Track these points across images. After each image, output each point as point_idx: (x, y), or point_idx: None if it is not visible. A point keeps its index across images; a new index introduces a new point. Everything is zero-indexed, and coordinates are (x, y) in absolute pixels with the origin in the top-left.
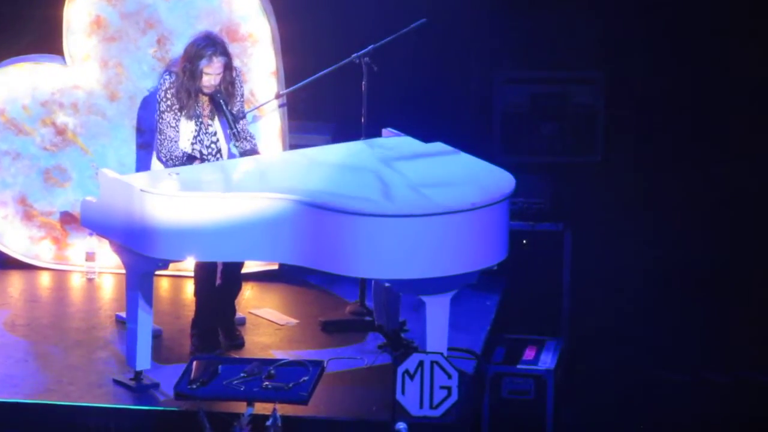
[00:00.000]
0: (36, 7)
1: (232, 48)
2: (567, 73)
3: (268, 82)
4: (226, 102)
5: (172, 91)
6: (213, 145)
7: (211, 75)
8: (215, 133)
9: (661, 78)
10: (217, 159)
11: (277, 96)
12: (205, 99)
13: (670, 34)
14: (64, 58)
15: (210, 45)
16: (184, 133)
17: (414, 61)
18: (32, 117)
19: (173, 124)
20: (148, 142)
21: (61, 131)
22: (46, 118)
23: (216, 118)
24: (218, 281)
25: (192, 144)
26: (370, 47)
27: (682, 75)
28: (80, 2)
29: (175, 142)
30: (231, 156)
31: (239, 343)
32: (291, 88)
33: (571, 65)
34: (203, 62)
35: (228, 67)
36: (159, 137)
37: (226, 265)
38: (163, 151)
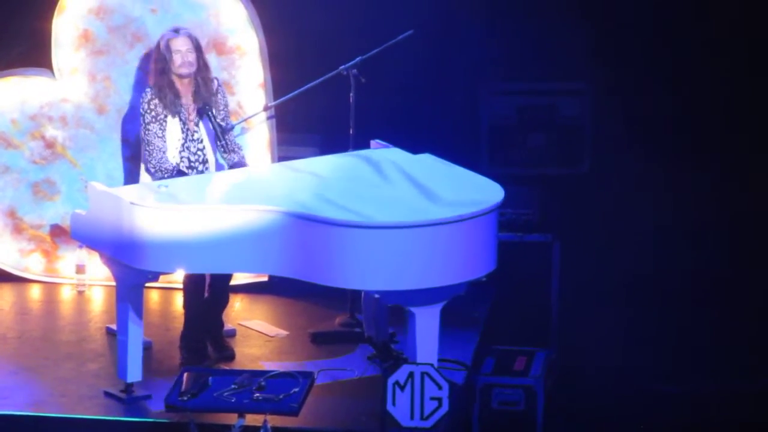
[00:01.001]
0: (24, 20)
1: (220, 61)
2: (554, 84)
3: (256, 94)
4: (213, 115)
5: (155, 101)
6: (200, 153)
7: (180, 51)
8: (201, 140)
9: (648, 89)
10: (205, 167)
11: (266, 108)
12: (189, 105)
13: (658, 45)
14: (52, 72)
15: (173, 27)
16: (171, 141)
17: (402, 73)
18: (21, 131)
19: (160, 134)
20: (135, 154)
21: (49, 144)
22: (35, 132)
23: (201, 124)
24: (206, 294)
25: (180, 152)
26: (357, 59)
27: (669, 86)
28: (68, 16)
29: (164, 152)
30: (219, 166)
31: (229, 355)
32: (279, 100)
33: (558, 77)
34: (168, 35)
35: (197, 48)
36: (147, 149)
37: (213, 278)
38: (152, 162)
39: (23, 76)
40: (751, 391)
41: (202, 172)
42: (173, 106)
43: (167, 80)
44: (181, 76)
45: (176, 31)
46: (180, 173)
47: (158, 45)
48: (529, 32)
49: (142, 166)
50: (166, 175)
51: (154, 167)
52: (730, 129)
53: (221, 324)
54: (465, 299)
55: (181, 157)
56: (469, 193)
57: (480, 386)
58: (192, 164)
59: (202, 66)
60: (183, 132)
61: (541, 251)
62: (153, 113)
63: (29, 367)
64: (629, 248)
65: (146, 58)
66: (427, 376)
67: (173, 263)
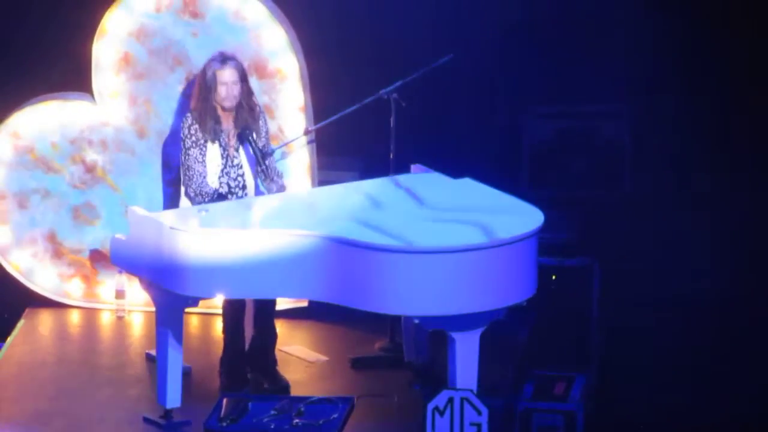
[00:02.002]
0: (64, 44)
1: (261, 85)
2: (594, 107)
3: (297, 118)
4: (254, 139)
5: (195, 126)
6: (239, 178)
7: (226, 84)
8: (241, 166)
9: (688, 111)
10: (244, 193)
11: (306, 132)
12: (230, 128)
13: (697, 67)
14: (92, 96)
15: (219, 57)
16: (211, 167)
17: (442, 97)
18: (61, 154)
19: (200, 159)
20: (176, 178)
21: (90, 168)
22: (75, 156)
23: (241, 150)
24: (253, 332)
25: (219, 177)
26: (398, 83)
27: (708, 108)
28: (108, 39)
29: (204, 177)
30: (258, 192)
31: (284, 386)
32: (319, 124)
33: (598, 99)
34: (215, 65)
35: (243, 78)
36: (187, 173)
37: (258, 313)
38: (192, 186)
39: (64, 99)
40: None
41: (241, 197)
42: (213, 132)
43: (209, 107)
44: (224, 108)
45: (223, 61)
46: (220, 197)
47: (204, 72)
48: (569, 55)
49: (183, 190)
50: (206, 199)
51: (194, 191)
52: None
53: (274, 359)
54: (505, 324)
55: (221, 183)
56: (510, 217)
57: (520, 411)
58: (232, 189)
59: (246, 95)
60: (223, 157)
61: (582, 275)
62: (193, 138)
63: (69, 392)
64: (670, 272)
65: (190, 84)
66: (467, 402)
67: (213, 288)
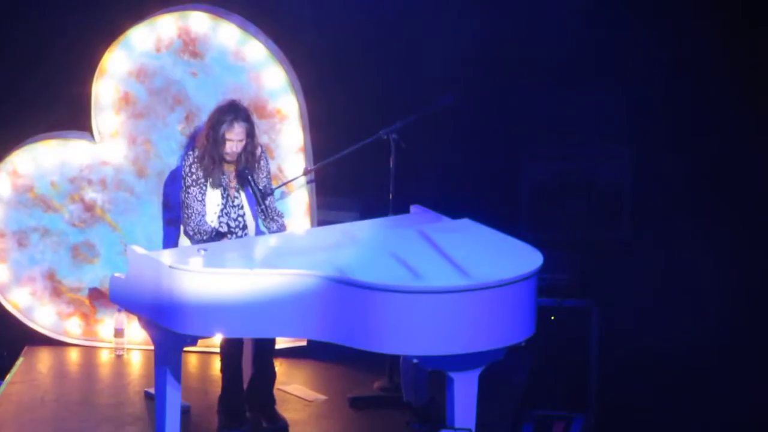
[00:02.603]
0: (64, 83)
1: (260, 125)
2: (594, 149)
3: (296, 158)
4: (254, 179)
5: (197, 164)
6: (240, 219)
7: (233, 141)
8: (241, 206)
9: (689, 154)
10: (244, 233)
11: (305, 172)
12: (231, 170)
13: (697, 110)
14: (92, 135)
15: (231, 111)
16: (211, 206)
17: (442, 138)
18: (61, 193)
19: (199, 198)
20: (175, 218)
21: (89, 207)
22: (75, 195)
23: (242, 191)
24: (252, 371)
25: (219, 217)
26: (397, 123)
27: (709, 151)
28: (108, 79)
29: (202, 216)
30: (259, 232)
31: (282, 426)
32: (319, 164)
33: (598, 142)
34: (224, 127)
35: (250, 134)
36: (186, 212)
37: (257, 353)
38: (191, 224)
39: (63, 138)
40: None
41: (241, 237)
42: (215, 175)
43: (214, 156)
44: (226, 161)
45: (234, 118)
46: (219, 235)
47: (212, 122)
48: (569, 98)
49: (182, 229)
50: (204, 237)
51: (193, 230)
52: None
53: (273, 398)
54: (504, 364)
55: (220, 222)
56: (509, 258)
57: None
58: (231, 230)
59: (249, 143)
60: (223, 197)
61: (580, 316)
62: (194, 176)
63: (67, 430)
64: (668, 314)
65: (194, 132)
66: None
67: (212, 327)
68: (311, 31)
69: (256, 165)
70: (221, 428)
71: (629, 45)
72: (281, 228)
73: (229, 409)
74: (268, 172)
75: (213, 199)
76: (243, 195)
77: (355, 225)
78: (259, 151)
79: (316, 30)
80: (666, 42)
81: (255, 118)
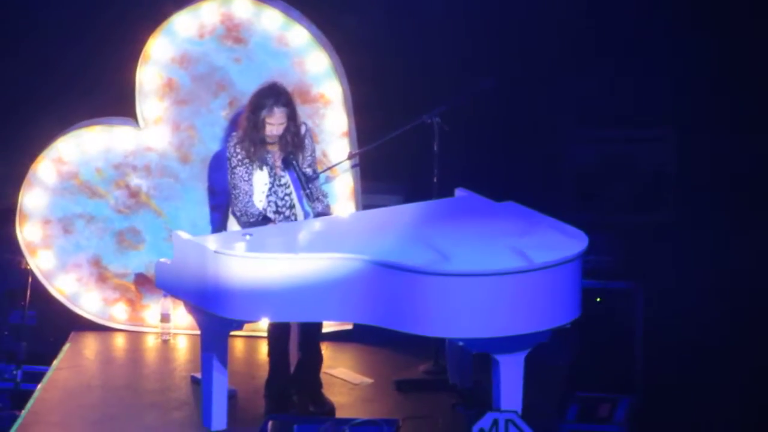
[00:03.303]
0: (108, 70)
1: (304, 110)
2: (638, 132)
3: (341, 142)
4: (298, 163)
5: (240, 145)
6: (287, 197)
7: (273, 125)
8: (288, 185)
9: (732, 135)
10: (292, 212)
11: (350, 156)
12: (275, 149)
13: (741, 92)
14: (136, 121)
15: (272, 95)
16: (258, 186)
17: (485, 121)
18: (105, 180)
19: (246, 178)
20: (221, 204)
21: (134, 194)
22: (120, 181)
23: (287, 171)
24: (298, 355)
25: (267, 196)
26: (441, 107)
27: (754, 132)
28: (152, 65)
29: (250, 196)
30: (304, 212)
31: (328, 410)
32: (363, 149)
33: (642, 124)
34: (264, 112)
35: (291, 117)
36: (233, 192)
37: (303, 337)
38: (239, 205)
39: (108, 125)
40: None
41: (289, 217)
42: (259, 156)
43: (256, 138)
44: (268, 142)
45: (275, 103)
46: (266, 219)
47: (253, 105)
48: (613, 80)
49: (230, 211)
50: (251, 220)
51: (240, 211)
52: None
53: (319, 382)
54: (549, 346)
55: (269, 202)
56: (554, 240)
57: None
58: (279, 209)
59: (291, 125)
60: (270, 176)
61: (626, 298)
62: (239, 157)
63: (114, 416)
64: (713, 295)
65: (237, 113)
66: (512, 424)
67: (258, 312)
68: (354, 16)
69: (301, 145)
70: (268, 412)
71: (673, 26)
72: (325, 208)
73: (275, 394)
74: (313, 150)
75: (260, 179)
76: (288, 174)
77: (399, 209)
78: (303, 129)
79: (359, 14)
80: (709, 23)
81: (298, 103)
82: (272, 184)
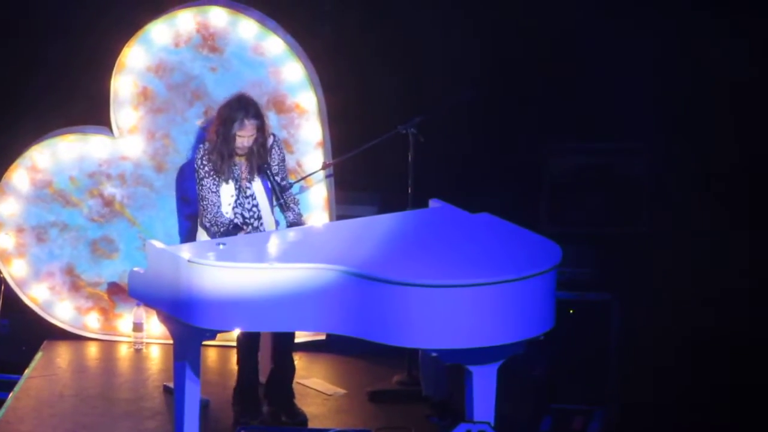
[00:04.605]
0: (83, 78)
1: (279, 120)
2: (613, 144)
3: (315, 152)
4: (272, 173)
5: (207, 157)
6: (254, 209)
7: (243, 137)
8: (254, 197)
9: (707, 148)
10: (260, 223)
11: (324, 166)
12: (242, 161)
13: (719, 103)
14: (111, 130)
15: (241, 108)
16: (225, 198)
17: (460, 132)
18: (79, 188)
19: (214, 189)
20: (194, 213)
21: (108, 202)
22: (94, 190)
23: (254, 180)
24: (271, 365)
25: (233, 208)
26: (416, 118)
27: (729, 143)
28: (127, 74)
29: (218, 207)
30: (276, 221)
31: (301, 420)
32: (338, 159)
33: (617, 136)
34: (236, 126)
35: (260, 128)
36: (202, 204)
37: (276, 347)
38: (208, 216)
39: (82, 133)
40: None
41: (257, 228)
42: (226, 170)
43: (225, 150)
44: (237, 154)
45: (245, 116)
46: (236, 227)
47: (222, 118)
48: (588, 92)
49: (199, 221)
50: (221, 230)
51: (210, 222)
52: None
53: (292, 392)
54: (523, 358)
55: (235, 214)
56: (528, 252)
57: None
58: (246, 221)
59: (260, 137)
60: (236, 189)
61: (600, 310)
62: (206, 168)
63: (87, 425)
64: (688, 307)
65: (207, 123)
66: None
67: (232, 322)
68: (330, 26)
69: (268, 155)
70: (237, 421)
71: (649, 39)
72: (297, 217)
73: (243, 401)
74: (282, 160)
75: (226, 191)
76: (256, 185)
77: (374, 219)
78: (270, 140)
79: (335, 25)
80: (683, 37)
81: (273, 112)
82: (238, 195)
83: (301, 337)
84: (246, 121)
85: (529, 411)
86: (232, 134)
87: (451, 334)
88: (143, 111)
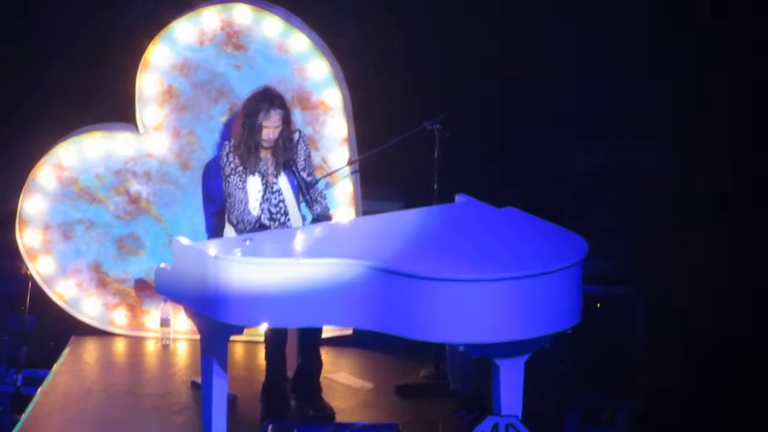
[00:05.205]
0: (109, 76)
1: (305, 117)
2: (638, 140)
3: (341, 149)
4: (298, 168)
5: (233, 153)
6: (281, 204)
7: (269, 128)
8: (281, 192)
9: (733, 143)
10: (287, 218)
11: (350, 162)
12: (268, 156)
13: (743, 99)
14: (136, 127)
15: (267, 99)
16: (252, 194)
17: (486, 128)
18: (106, 185)
19: (240, 186)
20: (219, 210)
21: (134, 200)
22: (120, 187)
23: (280, 175)
24: (298, 360)
25: (260, 204)
26: (441, 115)
27: (753, 140)
28: (152, 72)
29: (245, 204)
30: (302, 216)
31: (329, 414)
32: (363, 155)
33: (643, 132)
34: (261, 116)
35: (286, 120)
36: (229, 200)
37: (303, 342)
38: (235, 213)
39: (108, 131)
40: None
41: (284, 224)
42: (252, 163)
43: (250, 144)
44: (263, 147)
45: (270, 106)
46: (262, 226)
47: (248, 112)
48: (615, 88)
49: (226, 218)
50: (248, 227)
51: (237, 218)
52: None
53: (319, 386)
54: (549, 351)
55: (262, 209)
56: (554, 246)
57: None
58: (273, 216)
59: (285, 129)
60: (263, 184)
61: (626, 303)
62: (232, 165)
63: (114, 420)
64: (713, 301)
65: (232, 117)
66: (512, 428)
67: (258, 317)
68: (354, 23)
69: (294, 150)
70: (265, 417)
71: (673, 31)
72: (324, 209)
73: (271, 397)
74: (308, 156)
75: (253, 186)
76: (282, 181)
77: (400, 214)
78: (296, 136)
79: (360, 21)
80: (713, 35)
81: (298, 109)
82: (265, 191)
83: (327, 331)
84: (272, 111)
85: (557, 404)
86: (258, 125)
87: (478, 329)
88: (168, 109)
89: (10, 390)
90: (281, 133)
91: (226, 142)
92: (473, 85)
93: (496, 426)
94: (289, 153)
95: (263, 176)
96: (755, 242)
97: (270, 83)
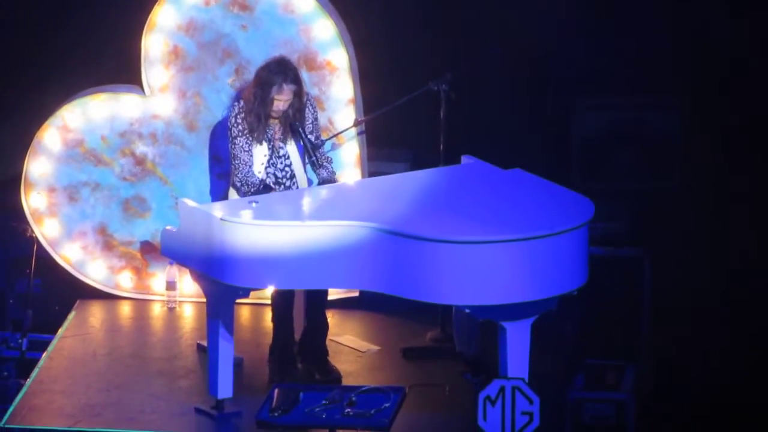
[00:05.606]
0: (114, 37)
1: (311, 77)
2: (645, 98)
3: (347, 110)
4: (304, 131)
5: (242, 116)
6: (287, 169)
7: (280, 101)
8: (288, 156)
9: (741, 102)
10: (293, 182)
11: (356, 124)
12: (276, 122)
13: (751, 58)
14: (142, 89)
15: (281, 72)
16: (257, 158)
17: (492, 88)
18: (111, 147)
19: (246, 149)
20: (225, 171)
21: (140, 161)
22: (125, 149)
23: (288, 141)
24: (304, 323)
25: (266, 168)
26: (448, 75)
27: (761, 99)
28: (158, 33)
29: (250, 166)
30: (308, 179)
31: (335, 377)
32: (369, 116)
33: (649, 91)
34: (274, 90)
35: (297, 94)
36: (234, 162)
37: (309, 305)
38: (239, 176)
39: (113, 93)
40: None
41: (290, 187)
42: (261, 131)
43: (260, 111)
44: (273, 116)
45: (284, 80)
46: (266, 188)
47: (261, 81)
48: (620, 47)
49: (232, 180)
50: (252, 189)
51: (240, 181)
52: None
53: (325, 350)
54: (555, 314)
55: (267, 173)
56: (560, 207)
57: (571, 401)
58: (279, 180)
59: (296, 101)
60: (269, 149)
61: (633, 265)
62: (240, 127)
63: (120, 384)
64: (721, 262)
65: (245, 84)
66: (518, 391)
67: (265, 279)
68: None
69: (302, 115)
70: (271, 376)
71: None
72: (330, 174)
73: (279, 359)
74: (315, 119)
75: (259, 151)
76: (290, 145)
77: (406, 176)
78: (305, 98)
79: None
80: None
81: (304, 70)
82: (271, 155)
83: (334, 294)
84: (285, 86)
85: (563, 367)
86: (269, 98)
87: (484, 291)
88: (174, 70)
89: (16, 354)
90: (291, 105)
91: (236, 104)
92: (479, 45)
93: (502, 389)
94: (298, 116)
95: (270, 141)
96: (764, 201)
97: (276, 44)
